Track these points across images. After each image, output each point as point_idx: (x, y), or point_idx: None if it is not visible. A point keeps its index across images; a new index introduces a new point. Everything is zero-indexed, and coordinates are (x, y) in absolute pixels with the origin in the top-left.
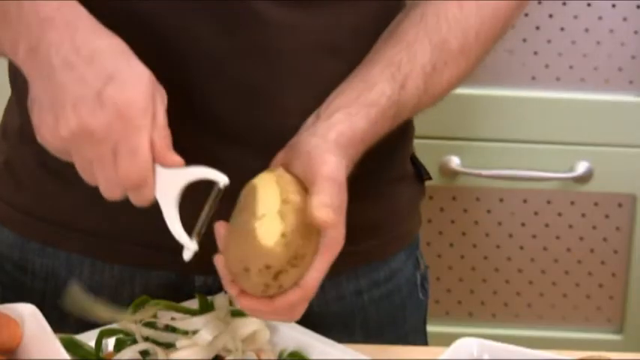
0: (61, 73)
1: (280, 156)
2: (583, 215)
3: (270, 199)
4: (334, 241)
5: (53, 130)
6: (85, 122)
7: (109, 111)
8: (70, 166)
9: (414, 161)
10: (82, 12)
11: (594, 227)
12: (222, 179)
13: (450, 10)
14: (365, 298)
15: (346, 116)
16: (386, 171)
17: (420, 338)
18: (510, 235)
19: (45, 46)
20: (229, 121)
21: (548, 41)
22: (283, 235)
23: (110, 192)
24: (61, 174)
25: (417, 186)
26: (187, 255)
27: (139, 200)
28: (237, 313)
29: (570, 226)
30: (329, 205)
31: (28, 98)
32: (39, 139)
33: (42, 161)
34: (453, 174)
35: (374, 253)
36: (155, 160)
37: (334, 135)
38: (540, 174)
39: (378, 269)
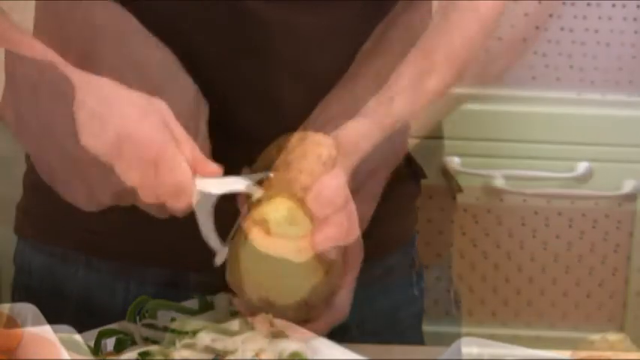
0: (109, 83)
1: (275, 175)
2: (583, 215)
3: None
4: (355, 256)
5: (98, 136)
6: (129, 131)
7: (154, 122)
8: None
9: (410, 160)
10: (134, 22)
11: (594, 227)
12: (258, 194)
13: (435, 20)
14: (359, 295)
15: (334, 129)
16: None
17: (416, 335)
18: (510, 235)
19: (97, 56)
20: (227, 120)
21: (549, 41)
22: (326, 273)
23: (147, 198)
24: None
25: (413, 185)
26: (219, 260)
27: (175, 208)
28: (237, 313)
29: (570, 226)
30: (333, 236)
31: (73, 102)
32: (82, 143)
33: None
34: (454, 174)
35: (369, 251)
36: (194, 171)
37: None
38: (540, 174)
39: (372, 267)
